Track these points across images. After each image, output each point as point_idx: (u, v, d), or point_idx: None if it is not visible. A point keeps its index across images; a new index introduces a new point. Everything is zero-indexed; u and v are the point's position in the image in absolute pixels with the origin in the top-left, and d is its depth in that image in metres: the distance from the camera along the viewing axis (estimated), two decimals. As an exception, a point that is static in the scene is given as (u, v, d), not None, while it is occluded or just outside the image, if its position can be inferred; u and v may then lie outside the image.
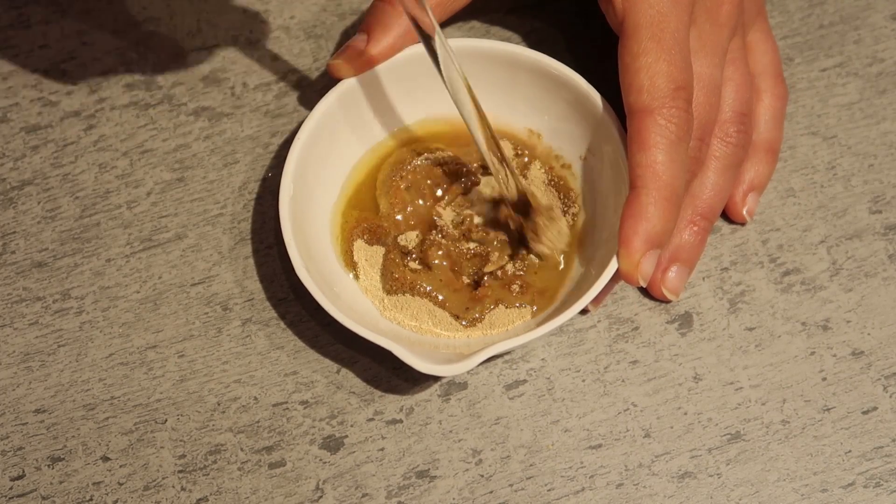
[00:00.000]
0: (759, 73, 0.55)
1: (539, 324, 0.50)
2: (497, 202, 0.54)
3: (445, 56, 0.48)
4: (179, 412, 0.53)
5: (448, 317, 0.53)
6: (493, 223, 0.54)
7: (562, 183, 0.55)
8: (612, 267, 0.49)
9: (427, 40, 0.48)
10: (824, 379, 0.53)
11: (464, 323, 0.53)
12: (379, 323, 0.52)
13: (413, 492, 0.51)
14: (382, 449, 0.52)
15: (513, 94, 0.55)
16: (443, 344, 0.52)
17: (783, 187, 0.57)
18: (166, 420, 0.53)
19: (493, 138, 0.50)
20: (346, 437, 0.52)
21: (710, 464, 0.52)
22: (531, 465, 0.52)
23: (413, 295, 0.53)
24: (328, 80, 0.54)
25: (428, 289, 0.53)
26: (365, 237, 0.54)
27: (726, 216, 0.56)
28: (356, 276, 0.54)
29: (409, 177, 0.55)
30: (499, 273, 0.53)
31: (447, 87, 0.49)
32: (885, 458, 0.52)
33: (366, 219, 0.54)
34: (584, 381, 0.53)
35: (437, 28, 0.47)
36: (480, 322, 0.53)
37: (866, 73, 0.59)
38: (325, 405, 0.53)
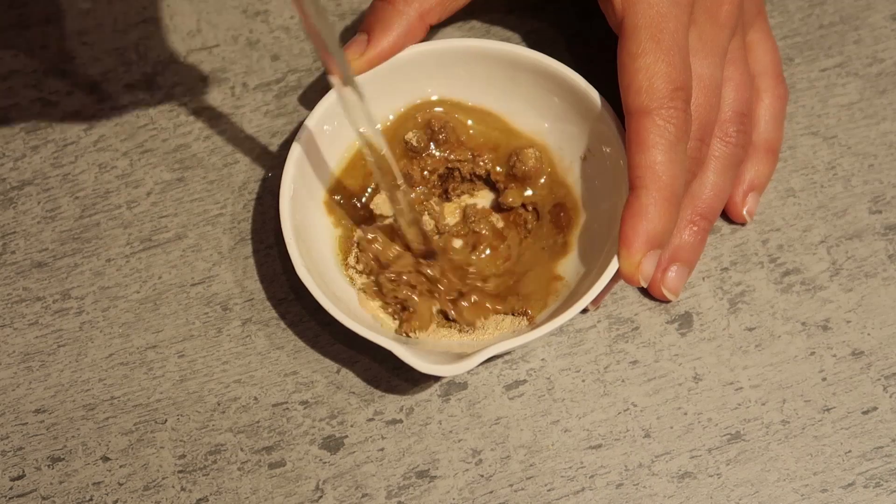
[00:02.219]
0: (760, 73, 0.55)
1: (539, 324, 0.50)
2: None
3: (357, 110, 0.47)
4: (179, 412, 0.53)
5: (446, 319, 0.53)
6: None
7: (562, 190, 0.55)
8: (613, 267, 0.49)
9: (340, 91, 0.47)
10: (824, 379, 0.53)
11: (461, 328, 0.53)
12: (379, 322, 0.52)
13: (413, 492, 0.51)
14: (382, 449, 0.52)
15: (513, 94, 0.55)
16: (443, 344, 0.52)
17: (783, 187, 0.57)
18: (166, 420, 0.53)
19: (399, 188, 0.50)
20: (346, 437, 0.52)
21: (710, 464, 0.52)
22: (531, 465, 0.52)
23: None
24: (328, 81, 0.54)
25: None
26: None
27: (726, 216, 0.56)
28: (355, 278, 0.54)
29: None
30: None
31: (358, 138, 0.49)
32: (885, 458, 0.52)
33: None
34: (584, 381, 0.53)
35: (354, 80, 0.47)
36: (477, 327, 0.53)
37: (866, 73, 0.59)
38: (325, 405, 0.53)
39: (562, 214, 0.54)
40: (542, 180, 0.54)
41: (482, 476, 0.52)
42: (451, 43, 0.53)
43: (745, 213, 0.55)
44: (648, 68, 0.48)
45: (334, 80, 0.47)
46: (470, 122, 0.55)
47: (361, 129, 0.48)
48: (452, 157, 0.55)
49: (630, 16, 0.49)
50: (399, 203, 0.51)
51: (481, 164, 0.55)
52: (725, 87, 0.52)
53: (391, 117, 0.55)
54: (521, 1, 0.60)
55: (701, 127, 0.50)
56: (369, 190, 0.55)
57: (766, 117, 0.55)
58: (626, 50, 0.49)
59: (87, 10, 0.60)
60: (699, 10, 0.51)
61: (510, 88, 0.55)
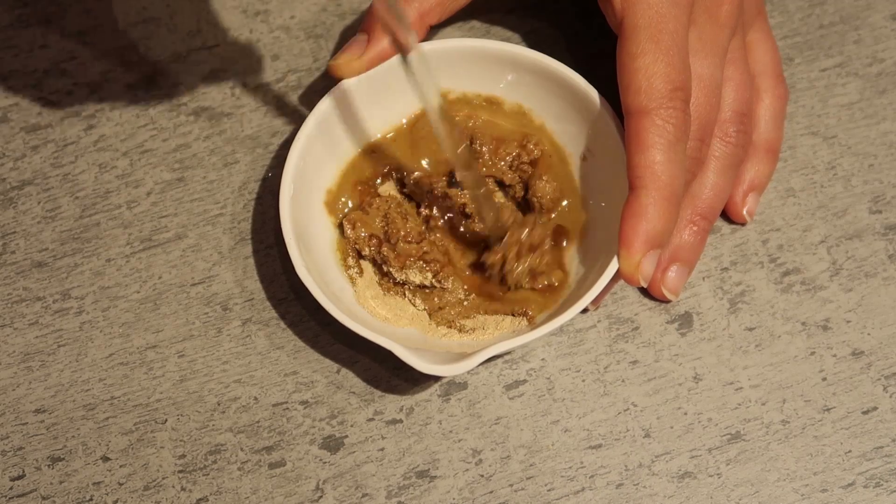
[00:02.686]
0: (760, 73, 0.55)
1: (539, 324, 0.50)
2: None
3: (423, 76, 0.47)
4: (179, 412, 0.53)
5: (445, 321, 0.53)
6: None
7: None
8: (613, 267, 0.49)
9: (404, 58, 0.47)
10: (824, 379, 0.53)
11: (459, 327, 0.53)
12: (379, 322, 0.52)
13: (413, 492, 0.51)
14: (382, 449, 0.52)
15: (513, 94, 0.55)
16: (443, 344, 0.52)
17: (783, 187, 0.57)
18: (166, 420, 0.53)
19: (470, 163, 0.50)
20: (346, 437, 0.52)
21: (710, 464, 0.52)
22: (531, 465, 0.52)
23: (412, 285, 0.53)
24: (328, 80, 0.54)
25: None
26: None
27: (726, 216, 0.56)
28: (355, 278, 0.54)
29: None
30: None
31: (425, 108, 0.49)
32: (885, 458, 0.52)
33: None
34: (584, 381, 0.53)
35: (418, 47, 0.46)
36: (477, 328, 0.53)
37: (866, 73, 0.59)
38: (325, 405, 0.53)
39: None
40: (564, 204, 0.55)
41: (482, 476, 0.52)
42: (451, 43, 0.53)
43: (745, 213, 0.55)
44: (647, 68, 0.48)
45: (399, 47, 0.46)
46: (484, 116, 0.55)
47: (426, 92, 0.48)
48: (503, 151, 0.55)
49: (629, 16, 0.49)
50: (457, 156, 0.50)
51: (531, 147, 0.54)
52: (725, 87, 0.52)
53: (404, 121, 0.55)
54: (521, 1, 0.60)
55: (701, 127, 0.50)
56: (379, 180, 0.55)
57: (766, 117, 0.55)
58: (626, 50, 0.49)
59: (87, 9, 0.60)
60: (699, 9, 0.51)
61: (510, 88, 0.55)
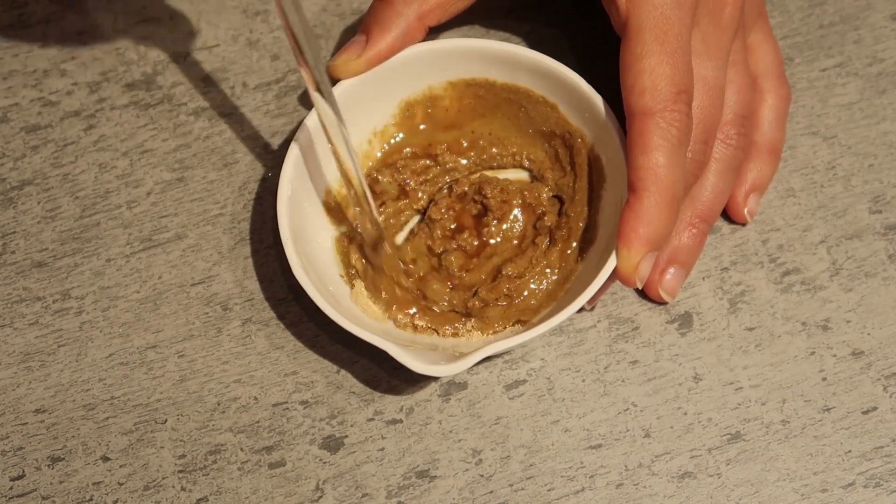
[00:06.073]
0: (763, 74, 0.55)
1: (535, 324, 0.50)
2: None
3: (330, 122, 0.48)
4: (179, 412, 0.53)
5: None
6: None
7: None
8: (609, 267, 0.49)
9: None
10: (824, 379, 0.53)
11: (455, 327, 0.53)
12: (376, 323, 0.52)
13: (413, 492, 0.51)
14: (382, 449, 0.52)
15: (513, 94, 0.55)
16: (440, 344, 0.52)
17: (783, 187, 0.57)
18: (166, 420, 0.53)
19: (361, 184, 0.50)
20: (346, 437, 0.52)
21: (710, 464, 0.52)
22: (531, 465, 0.52)
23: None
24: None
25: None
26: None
27: (727, 216, 0.56)
28: (353, 278, 0.54)
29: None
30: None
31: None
32: (885, 458, 0.52)
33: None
34: (584, 381, 0.53)
35: (329, 90, 0.47)
36: (473, 329, 0.53)
37: (866, 73, 0.59)
38: (325, 405, 0.53)
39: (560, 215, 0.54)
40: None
41: (482, 476, 0.52)
42: (451, 43, 0.53)
43: (745, 212, 0.55)
44: (653, 70, 0.48)
45: (309, 86, 0.46)
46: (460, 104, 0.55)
47: (333, 139, 0.48)
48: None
49: (634, 16, 0.49)
50: (360, 217, 0.51)
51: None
52: (727, 89, 0.52)
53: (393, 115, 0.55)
54: (521, 1, 0.60)
55: (704, 129, 0.50)
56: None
57: (769, 118, 0.55)
58: (630, 51, 0.49)
59: (87, 9, 0.60)
60: (702, 12, 0.50)
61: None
